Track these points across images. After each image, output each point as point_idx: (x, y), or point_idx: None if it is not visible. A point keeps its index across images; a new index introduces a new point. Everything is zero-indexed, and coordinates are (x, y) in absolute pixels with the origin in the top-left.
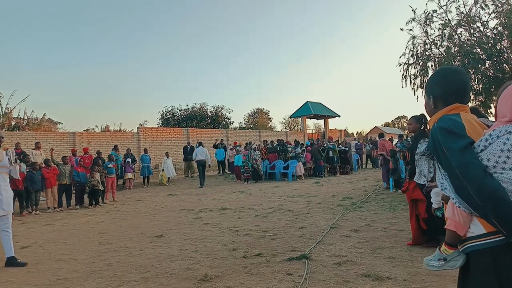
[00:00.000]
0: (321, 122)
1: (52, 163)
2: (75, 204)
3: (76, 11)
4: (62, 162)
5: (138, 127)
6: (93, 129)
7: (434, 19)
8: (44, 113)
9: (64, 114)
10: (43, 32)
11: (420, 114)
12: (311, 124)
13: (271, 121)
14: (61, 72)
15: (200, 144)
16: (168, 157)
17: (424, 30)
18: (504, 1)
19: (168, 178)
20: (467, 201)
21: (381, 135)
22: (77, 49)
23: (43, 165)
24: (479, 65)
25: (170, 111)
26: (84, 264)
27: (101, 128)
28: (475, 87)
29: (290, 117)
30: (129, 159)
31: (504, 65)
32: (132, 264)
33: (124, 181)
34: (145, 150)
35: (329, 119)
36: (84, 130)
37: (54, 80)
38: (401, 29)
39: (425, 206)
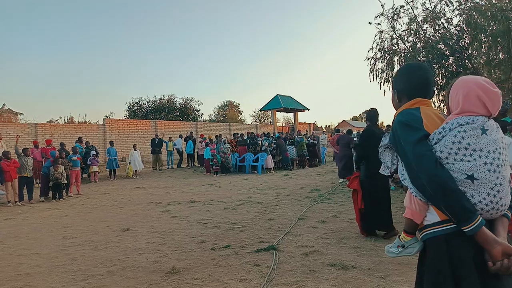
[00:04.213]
0: (290, 115)
1: (18, 153)
2: (40, 195)
3: None
4: (23, 154)
5: (104, 119)
6: (57, 120)
7: (401, 14)
8: (4, 103)
9: (25, 105)
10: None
11: (370, 109)
12: (281, 117)
13: (241, 114)
14: (21, 60)
15: (180, 136)
16: (135, 150)
17: (392, 25)
18: None
19: (135, 171)
20: (422, 191)
21: (337, 130)
22: (38, 36)
23: (3, 157)
24: (443, 61)
25: (137, 102)
26: (46, 259)
27: (65, 119)
28: (439, 82)
29: (260, 110)
30: (94, 152)
31: (466, 61)
32: (97, 258)
33: (89, 174)
34: (111, 143)
35: (298, 113)
36: (47, 122)
37: (15, 69)
38: (369, 23)
39: (361, 196)
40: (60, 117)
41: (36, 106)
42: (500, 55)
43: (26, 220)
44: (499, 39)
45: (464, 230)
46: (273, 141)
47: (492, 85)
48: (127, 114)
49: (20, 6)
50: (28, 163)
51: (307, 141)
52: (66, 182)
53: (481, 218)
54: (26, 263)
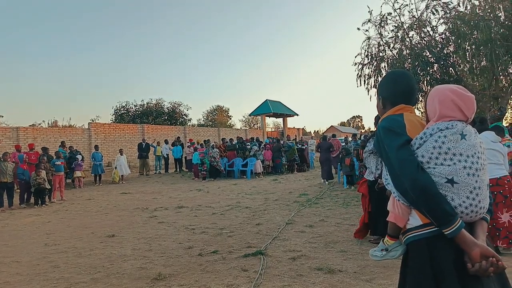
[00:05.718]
0: (280, 120)
1: None
2: (20, 203)
3: None
4: (2, 159)
5: (89, 123)
6: (40, 124)
7: (388, 21)
8: None
9: (5, 108)
10: None
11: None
12: (271, 123)
13: (230, 118)
14: (1, 60)
15: (165, 142)
16: (121, 154)
17: (379, 31)
18: (452, 7)
19: (122, 176)
20: (404, 195)
21: (324, 138)
22: (19, 36)
23: None
24: (428, 68)
25: (124, 106)
26: (27, 266)
27: (49, 123)
28: (423, 88)
29: (250, 115)
30: (78, 156)
31: (450, 68)
32: (81, 265)
33: (73, 179)
34: (96, 147)
35: (287, 118)
36: (30, 125)
37: None
38: (358, 29)
39: (368, 200)
40: (44, 121)
41: (17, 109)
42: (483, 63)
43: (6, 227)
44: (481, 48)
45: (445, 233)
46: (263, 146)
47: (465, 91)
48: (114, 118)
49: (2, 8)
50: (8, 168)
51: (296, 146)
52: (49, 187)
53: (461, 221)
54: (5, 271)
